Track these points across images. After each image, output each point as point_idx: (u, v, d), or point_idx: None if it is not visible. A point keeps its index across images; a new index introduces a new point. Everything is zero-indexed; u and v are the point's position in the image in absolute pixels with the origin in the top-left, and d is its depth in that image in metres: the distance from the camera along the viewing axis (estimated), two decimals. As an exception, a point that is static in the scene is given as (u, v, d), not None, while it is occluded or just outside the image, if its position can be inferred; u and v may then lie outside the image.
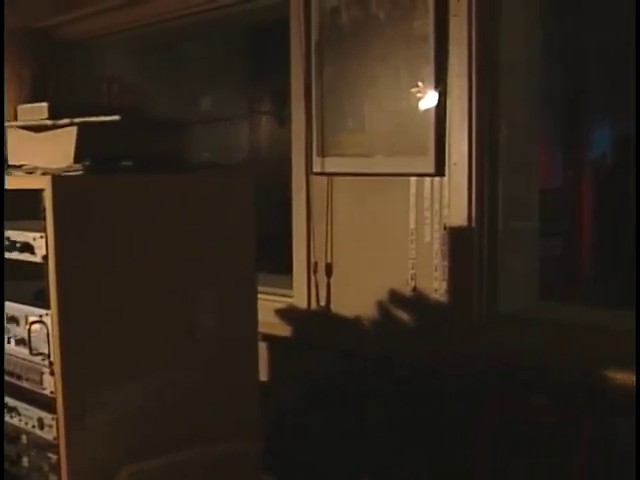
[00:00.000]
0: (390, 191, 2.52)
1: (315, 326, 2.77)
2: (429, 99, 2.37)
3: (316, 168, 2.67)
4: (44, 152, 1.85)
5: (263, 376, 2.90)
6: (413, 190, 2.46)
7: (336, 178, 2.65)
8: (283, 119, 3.53)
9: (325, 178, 2.67)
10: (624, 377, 2.10)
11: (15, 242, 1.72)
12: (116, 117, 1.75)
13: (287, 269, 2.92)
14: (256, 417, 2.15)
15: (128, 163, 1.80)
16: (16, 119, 2.00)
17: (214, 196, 1.94)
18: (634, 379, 2.07)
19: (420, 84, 2.39)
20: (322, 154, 2.65)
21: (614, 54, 6.82)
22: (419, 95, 2.40)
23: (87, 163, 1.74)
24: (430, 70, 2.36)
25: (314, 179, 2.71)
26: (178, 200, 1.87)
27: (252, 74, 4.55)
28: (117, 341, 1.74)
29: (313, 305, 2.77)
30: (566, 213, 6.85)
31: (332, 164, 2.63)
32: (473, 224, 2.33)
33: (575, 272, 6.95)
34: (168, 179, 1.87)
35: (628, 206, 5.03)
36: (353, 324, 2.65)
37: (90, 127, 1.78)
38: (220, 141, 4.18)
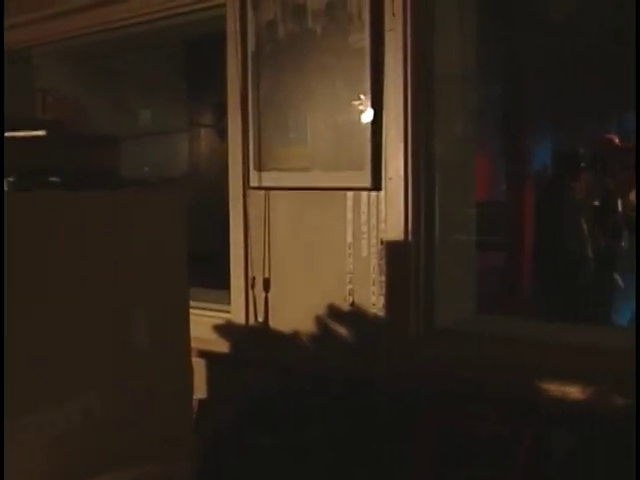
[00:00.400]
0: (327, 206, 2.53)
1: (253, 342, 2.75)
2: (365, 113, 2.39)
3: (253, 182, 2.67)
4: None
5: (201, 393, 2.88)
6: (350, 205, 2.47)
7: (273, 192, 2.65)
8: (223, 132, 3.52)
9: (262, 192, 2.67)
10: (560, 389, 2.14)
11: None
12: (41, 132, 1.72)
13: (227, 284, 2.91)
14: (190, 436, 2.12)
15: (55, 179, 1.76)
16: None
17: (144, 213, 1.91)
18: (570, 390, 2.11)
19: (356, 98, 2.41)
20: (259, 168, 2.64)
21: (555, 69, 6.99)
22: (355, 109, 2.41)
23: (11, 179, 1.70)
24: (366, 84, 2.38)
25: (251, 193, 2.70)
26: (107, 217, 1.83)
27: (192, 86, 4.54)
28: (47, 361, 1.70)
29: (251, 321, 2.76)
30: (507, 226, 6.99)
31: (269, 178, 2.63)
32: (409, 238, 2.36)
33: (516, 285, 7.08)
34: (96, 196, 1.84)
35: (569, 218, 5.14)
36: (291, 340, 2.65)
37: (15, 142, 1.74)
38: (160, 155, 4.15)
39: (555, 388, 2.16)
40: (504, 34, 6.00)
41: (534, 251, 6.81)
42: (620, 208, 5.21)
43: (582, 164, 5.18)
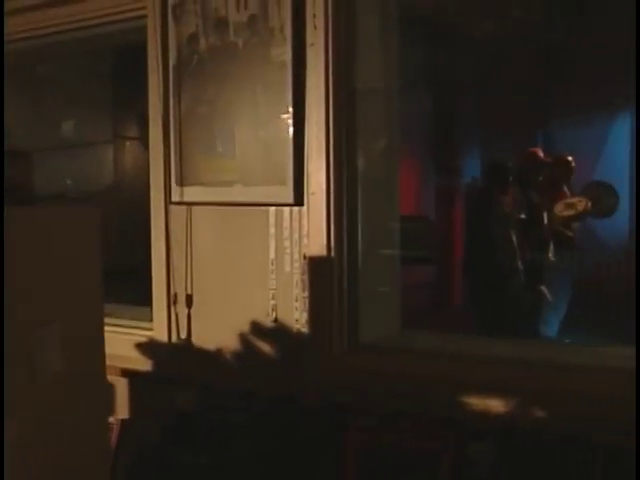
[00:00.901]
0: (250, 221, 2.52)
1: (176, 359, 2.72)
2: (288, 128, 2.39)
3: (175, 197, 2.64)
4: None
5: (123, 413, 2.83)
6: (272, 220, 2.47)
7: (196, 207, 2.63)
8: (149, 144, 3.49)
9: (185, 207, 2.64)
10: (483, 403, 2.17)
11: None
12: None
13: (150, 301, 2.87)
14: (108, 458, 2.08)
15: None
16: None
17: (56, 228, 1.88)
18: (493, 404, 2.15)
19: (278, 113, 2.41)
20: (181, 183, 2.62)
21: (484, 84, 7.15)
22: (278, 124, 2.42)
23: None
24: (288, 99, 2.38)
25: (174, 208, 2.68)
26: (18, 233, 1.79)
27: (118, 97, 4.48)
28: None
29: (174, 338, 2.72)
30: (437, 239, 7.10)
31: (191, 193, 2.61)
32: (332, 254, 2.37)
33: (445, 299, 7.20)
34: (8, 211, 1.79)
35: (498, 231, 5.24)
36: (214, 357, 2.63)
37: None
38: (83, 168, 4.07)
39: (478, 402, 2.19)
40: (429, 50, 6.12)
41: (463, 265, 6.93)
42: (546, 221, 5.34)
43: (510, 177, 5.29)
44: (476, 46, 6.42)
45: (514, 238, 5.07)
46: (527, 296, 5.20)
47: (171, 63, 2.61)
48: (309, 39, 2.36)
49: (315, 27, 2.34)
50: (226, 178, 2.54)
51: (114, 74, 4.23)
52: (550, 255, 5.35)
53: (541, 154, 5.62)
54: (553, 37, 6.44)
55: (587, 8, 5.59)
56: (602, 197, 5.74)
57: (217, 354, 2.62)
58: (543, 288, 5.16)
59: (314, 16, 2.34)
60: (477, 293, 5.64)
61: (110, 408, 2.78)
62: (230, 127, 2.52)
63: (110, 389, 2.79)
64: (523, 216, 5.25)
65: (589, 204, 5.56)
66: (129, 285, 3.34)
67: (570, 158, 5.77)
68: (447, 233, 7.18)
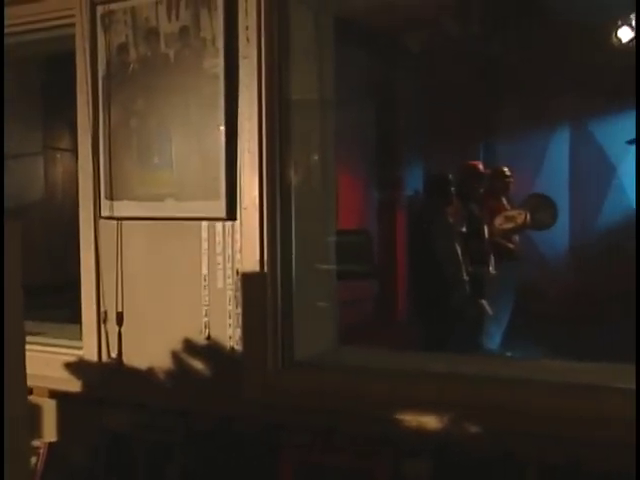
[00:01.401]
0: (182, 236, 2.51)
1: (106, 379, 2.68)
2: (220, 142, 2.39)
3: (105, 212, 2.61)
4: None
5: (51, 436, 2.78)
6: (205, 235, 2.47)
7: (127, 222, 2.61)
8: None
9: (115, 222, 2.62)
10: (419, 420, 2.20)
11: None
12: None
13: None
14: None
15: None
16: None
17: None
18: (427, 420, 2.17)
19: (211, 126, 2.41)
20: (111, 197, 2.59)
21: (426, 97, 7.25)
22: (210, 137, 2.41)
23: None
24: (220, 112, 2.39)
25: (104, 223, 2.65)
26: None
27: (49, 107, 4.41)
28: None
29: (104, 357, 2.69)
30: (380, 253, 7.15)
31: (122, 207, 2.58)
32: (265, 269, 2.37)
33: (385, 314, 7.24)
34: None
35: (442, 244, 5.31)
36: (147, 376, 2.60)
37: None
38: (12, 180, 3.99)
39: (414, 419, 2.21)
40: (370, 64, 6.20)
41: (406, 278, 7.00)
42: (486, 234, 5.43)
43: (452, 189, 5.35)
44: (418, 60, 6.52)
45: (458, 250, 5.13)
46: (469, 309, 5.27)
47: (100, 73, 2.58)
48: (242, 52, 2.37)
49: (248, 40, 2.35)
50: (161, 191, 2.52)
51: (45, 83, 4.17)
52: (491, 268, 5.43)
53: (481, 167, 5.71)
54: (494, 51, 6.59)
55: (527, 23, 5.73)
56: (541, 210, 5.87)
57: (149, 373, 2.60)
58: (483, 302, 5.24)
59: (247, 28, 2.35)
60: (421, 307, 5.70)
61: (35, 431, 2.73)
62: (167, 139, 2.51)
63: (35, 411, 2.74)
64: (464, 229, 5.32)
65: (528, 217, 5.68)
66: (59, 302, 3.29)
67: (507, 170, 5.89)
68: (389, 247, 7.23)
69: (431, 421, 2.20)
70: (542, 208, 5.91)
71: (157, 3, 2.46)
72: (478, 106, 7.50)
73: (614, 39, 5.36)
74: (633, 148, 6.54)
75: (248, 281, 2.40)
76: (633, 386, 2.08)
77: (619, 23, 5.31)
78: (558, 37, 6.07)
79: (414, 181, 7.29)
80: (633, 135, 6.24)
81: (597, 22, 5.45)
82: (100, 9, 2.56)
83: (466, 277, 5.13)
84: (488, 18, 5.47)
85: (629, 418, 1.95)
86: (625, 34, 5.31)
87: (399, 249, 7.21)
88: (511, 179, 5.88)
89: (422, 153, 7.62)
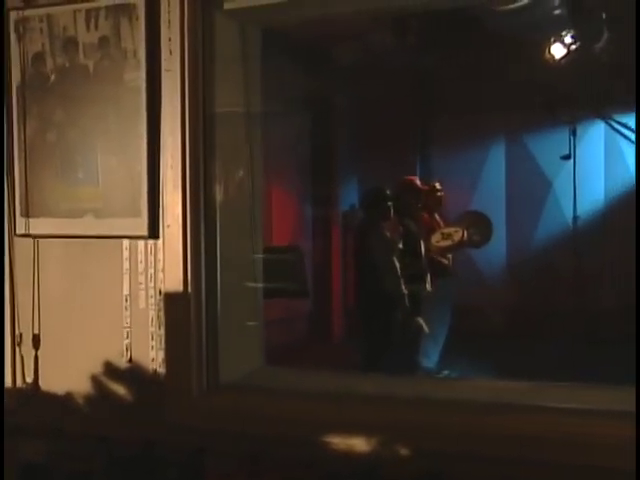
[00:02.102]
0: (102, 255, 2.48)
1: (22, 405, 2.62)
2: (141, 157, 2.37)
3: (20, 229, 2.56)
4: None
5: (-38, 468, 2.69)
6: (127, 254, 2.44)
7: (44, 240, 2.56)
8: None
9: (32, 240, 2.57)
10: (346, 443, 2.20)
11: None
12: None
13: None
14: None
15: None
16: None
17: None
18: (357, 443, 2.18)
19: (133, 141, 2.39)
20: (27, 214, 2.54)
21: (361, 111, 7.33)
22: (132, 152, 2.39)
23: None
24: (143, 126, 2.37)
25: (19, 241, 2.59)
26: None
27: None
28: None
29: (19, 382, 2.62)
30: (313, 270, 7.16)
31: (38, 225, 2.53)
32: (189, 289, 2.35)
33: (324, 333, 7.26)
34: None
35: (379, 260, 5.34)
36: (65, 401, 2.55)
37: None
38: None
39: (341, 441, 2.22)
40: (305, 79, 6.23)
41: (341, 295, 7.04)
42: (423, 251, 5.49)
43: (389, 204, 5.41)
44: (353, 73, 6.59)
45: (397, 265, 5.18)
46: (406, 327, 5.32)
47: (14, 84, 2.53)
48: (165, 64, 2.35)
49: (171, 52, 2.34)
50: (83, 207, 2.48)
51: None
52: (427, 285, 5.50)
53: (418, 182, 5.79)
54: (429, 65, 6.70)
55: (462, 38, 5.85)
56: (476, 227, 5.97)
57: (67, 398, 2.55)
58: (419, 319, 5.29)
59: (169, 40, 2.34)
60: (356, 325, 5.73)
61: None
62: (92, 152, 2.46)
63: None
64: (401, 246, 5.37)
65: (466, 234, 5.78)
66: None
67: (437, 185, 5.98)
68: (324, 263, 7.26)
69: (360, 444, 2.20)
70: (477, 225, 6.00)
71: (75, 11, 2.42)
72: (414, 121, 7.61)
73: (547, 55, 5.51)
74: (568, 163, 6.73)
75: (171, 301, 2.38)
76: (568, 405, 2.15)
77: (552, 40, 5.47)
78: (493, 52, 6.22)
79: (350, 196, 7.34)
80: (567, 151, 6.43)
81: (532, 38, 5.60)
82: (14, 15, 2.51)
83: (401, 296, 5.18)
84: (423, 32, 5.56)
85: (563, 438, 2.00)
86: (558, 51, 5.47)
87: (335, 266, 7.24)
88: (442, 194, 5.97)
89: (358, 167, 7.68)
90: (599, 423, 2.03)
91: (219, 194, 2.46)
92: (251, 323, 2.66)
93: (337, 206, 7.37)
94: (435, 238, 5.67)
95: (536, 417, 2.12)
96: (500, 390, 2.45)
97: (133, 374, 2.47)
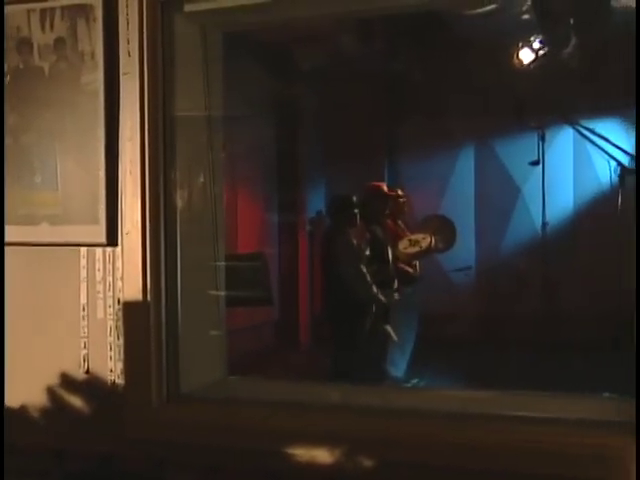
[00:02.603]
0: (58, 263, 2.45)
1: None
2: (100, 163, 2.35)
3: (-29, 237, 2.52)
4: None
5: None
6: (84, 262, 2.41)
7: (-1, 248, 2.52)
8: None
9: (-15, 247, 2.53)
10: (309, 454, 2.20)
11: None
12: None
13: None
14: None
15: None
16: None
17: None
18: (319, 454, 2.17)
19: (90, 145, 2.36)
20: (-20, 220, 2.50)
21: (327, 115, 7.35)
22: (90, 157, 2.37)
23: None
24: (101, 131, 2.34)
25: (-28, 248, 2.56)
26: None
27: None
28: None
29: (-29, 395, 2.58)
30: (278, 277, 7.16)
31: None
32: (149, 297, 2.33)
33: (290, 341, 7.25)
34: None
35: (346, 267, 5.35)
36: (18, 414, 2.51)
37: None
38: None
39: (304, 452, 2.21)
40: (266, 80, 6.23)
41: (308, 303, 7.02)
42: (390, 258, 5.51)
43: (356, 211, 5.42)
44: (319, 77, 6.60)
45: (364, 271, 5.18)
46: (374, 335, 5.32)
47: (-34, 87, 2.50)
48: (123, 67, 2.33)
49: (129, 54, 2.32)
50: (39, 213, 2.45)
51: None
52: (395, 293, 5.51)
53: (385, 188, 5.81)
54: (397, 69, 6.73)
55: (430, 42, 5.89)
56: (441, 232, 6.01)
57: (21, 411, 2.51)
58: (387, 327, 5.31)
59: (128, 42, 2.32)
60: (324, 333, 5.73)
61: None
62: (51, 156, 2.43)
63: None
64: (368, 252, 5.39)
65: (433, 241, 5.81)
66: None
67: (399, 191, 5.99)
68: (290, 270, 7.25)
69: (323, 455, 2.20)
70: (443, 231, 6.04)
71: (29, 11, 2.40)
72: (382, 125, 7.64)
73: (516, 60, 5.57)
74: (537, 169, 6.80)
75: (130, 310, 2.36)
76: (534, 414, 2.17)
77: (520, 45, 5.53)
78: (461, 57, 6.27)
79: (316, 202, 7.34)
80: (536, 156, 6.50)
81: (500, 43, 5.66)
82: (-38, 14, 2.48)
83: (369, 303, 5.19)
84: (390, 36, 5.59)
85: (531, 447, 2.01)
86: (526, 56, 5.53)
87: (301, 273, 7.23)
88: (405, 200, 5.99)
89: (325, 172, 7.69)
90: (568, 432, 2.05)
91: (180, 200, 2.44)
92: (214, 332, 2.64)
93: (303, 212, 7.37)
94: (403, 245, 5.68)
95: (503, 426, 2.13)
96: (466, 400, 2.46)
97: (90, 386, 2.44)
